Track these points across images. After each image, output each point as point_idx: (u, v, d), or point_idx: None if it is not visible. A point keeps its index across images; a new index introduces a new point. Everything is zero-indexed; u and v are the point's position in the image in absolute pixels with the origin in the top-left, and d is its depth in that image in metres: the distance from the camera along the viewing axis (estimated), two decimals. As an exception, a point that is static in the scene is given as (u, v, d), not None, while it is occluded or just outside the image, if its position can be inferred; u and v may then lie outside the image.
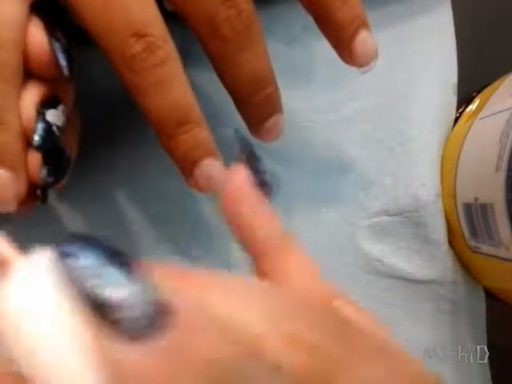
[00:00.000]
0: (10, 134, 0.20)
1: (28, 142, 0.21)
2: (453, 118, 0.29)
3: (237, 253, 0.29)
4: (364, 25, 0.23)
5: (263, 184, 0.18)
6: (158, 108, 0.21)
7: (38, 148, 0.21)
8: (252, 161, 0.18)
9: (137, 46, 0.19)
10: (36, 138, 0.20)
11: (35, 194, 0.21)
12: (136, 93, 0.20)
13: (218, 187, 0.22)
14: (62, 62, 0.20)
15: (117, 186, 0.28)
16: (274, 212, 0.18)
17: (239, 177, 0.19)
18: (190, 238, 0.29)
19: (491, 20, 0.31)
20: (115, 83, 0.21)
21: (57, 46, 0.20)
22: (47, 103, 0.21)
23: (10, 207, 0.21)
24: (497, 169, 0.23)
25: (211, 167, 0.22)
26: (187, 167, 0.22)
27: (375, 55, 0.23)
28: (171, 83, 0.20)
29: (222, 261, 0.29)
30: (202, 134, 0.21)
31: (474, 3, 0.30)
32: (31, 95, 0.21)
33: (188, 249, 0.29)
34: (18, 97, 0.20)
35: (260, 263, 0.18)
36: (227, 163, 0.28)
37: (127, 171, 0.29)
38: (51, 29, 0.21)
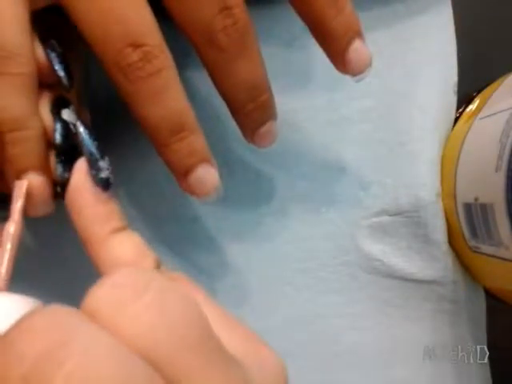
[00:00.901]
0: (37, 139, 0.20)
1: (48, 143, 0.21)
2: (453, 117, 0.29)
3: (234, 253, 0.29)
4: (358, 34, 0.22)
5: (100, 181, 0.20)
6: (152, 116, 0.21)
7: (60, 146, 0.21)
8: (91, 159, 0.20)
9: (133, 56, 0.19)
10: (57, 136, 0.21)
11: (56, 191, 0.22)
12: (131, 101, 0.20)
13: (211, 192, 0.22)
14: (60, 72, 0.21)
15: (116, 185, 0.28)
16: (111, 206, 0.20)
17: (77, 175, 0.20)
18: (187, 238, 0.29)
19: (491, 20, 0.31)
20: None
21: (53, 55, 0.20)
22: (59, 104, 0.21)
23: (48, 210, 0.22)
24: (497, 169, 0.23)
25: (204, 173, 0.22)
26: (181, 173, 0.22)
27: (369, 64, 0.23)
28: (166, 92, 0.20)
29: (219, 261, 0.29)
30: (196, 141, 0.21)
31: (474, 3, 0.30)
32: (43, 98, 0.21)
33: (185, 249, 0.29)
34: (37, 101, 0.21)
35: (86, 249, 0.20)
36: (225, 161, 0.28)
37: (127, 171, 0.29)
38: (45, 38, 0.21)
